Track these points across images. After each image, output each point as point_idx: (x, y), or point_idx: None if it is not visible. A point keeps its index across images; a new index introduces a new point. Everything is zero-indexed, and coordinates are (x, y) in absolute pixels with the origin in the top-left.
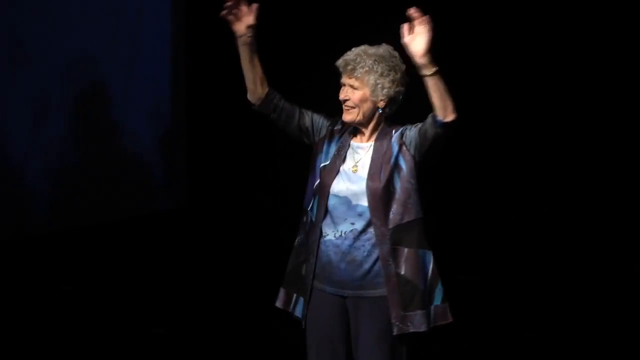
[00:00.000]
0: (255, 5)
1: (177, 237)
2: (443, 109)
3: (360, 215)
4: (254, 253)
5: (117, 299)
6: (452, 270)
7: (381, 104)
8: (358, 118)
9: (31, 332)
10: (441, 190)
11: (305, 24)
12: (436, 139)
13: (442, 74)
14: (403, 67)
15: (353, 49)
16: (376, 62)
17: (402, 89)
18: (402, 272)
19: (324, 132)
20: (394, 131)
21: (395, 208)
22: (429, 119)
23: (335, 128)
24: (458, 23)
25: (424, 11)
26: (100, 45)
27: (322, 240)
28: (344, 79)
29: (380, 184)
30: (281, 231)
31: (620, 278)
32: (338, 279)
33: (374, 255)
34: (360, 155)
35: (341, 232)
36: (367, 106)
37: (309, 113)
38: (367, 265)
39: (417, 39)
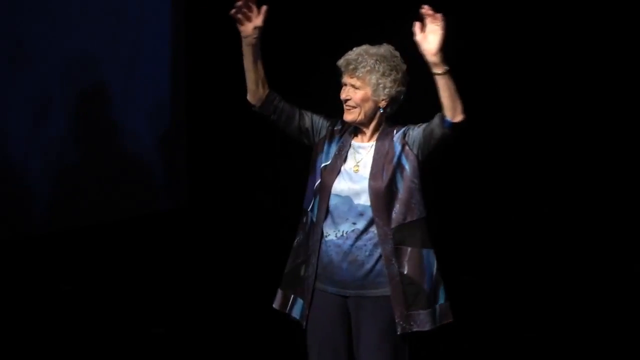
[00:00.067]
0: (264, 8)
1: (177, 237)
2: (452, 109)
3: (361, 214)
4: (254, 253)
5: (117, 299)
6: (454, 270)
7: (382, 104)
8: (359, 118)
9: (31, 332)
10: (442, 190)
11: (305, 24)
12: (443, 139)
13: (453, 73)
14: (404, 66)
15: (354, 49)
16: (378, 62)
17: (403, 88)
18: (405, 272)
19: (323, 132)
20: (395, 131)
21: (397, 208)
22: (437, 119)
23: (335, 128)
24: (459, 23)
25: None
26: (100, 45)
27: (323, 240)
28: (346, 79)
29: (382, 183)
30: (281, 231)
31: (620, 278)
32: (340, 279)
33: (376, 255)
34: (362, 155)
35: (342, 231)
36: (368, 106)
37: (309, 114)
38: (368, 265)
39: (429, 37)
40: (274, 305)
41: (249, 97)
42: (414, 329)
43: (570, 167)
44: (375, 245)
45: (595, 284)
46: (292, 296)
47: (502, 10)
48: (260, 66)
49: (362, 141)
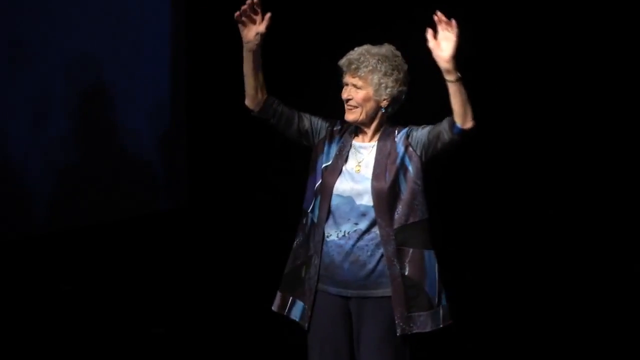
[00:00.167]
0: (268, 15)
1: (177, 237)
2: (463, 116)
3: (364, 215)
4: (254, 253)
5: (117, 299)
6: (457, 270)
7: (384, 104)
8: (361, 117)
9: (31, 332)
10: (445, 191)
11: (304, 25)
12: (450, 144)
13: (465, 81)
14: (405, 66)
15: (356, 49)
16: (380, 62)
17: (404, 88)
18: (407, 273)
19: (323, 133)
20: (396, 131)
21: (400, 209)
22: (445, 124)
23: (335, 129)
24: (462, 24)
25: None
26: (100, 45)
27: (324, 240)
28: (347, 78)
29: (385, 184)
30: (281, 231)
31: (620, 278)
32: (341, 279)
33: (377, 255)
34: (363, 155)
35: (344, 232)
36: (370, 105)
37: (307, 115)
38: (370, 265)
39: (442, 43)
40: (272, 308)
41: (247, 102)
42: (414, 331)
43: (570, 168)
44: (377, 246)
45: (595, 284)
46: (291, 298)
47: (505, 11)
48: (260, 72)
49: (363, 141)
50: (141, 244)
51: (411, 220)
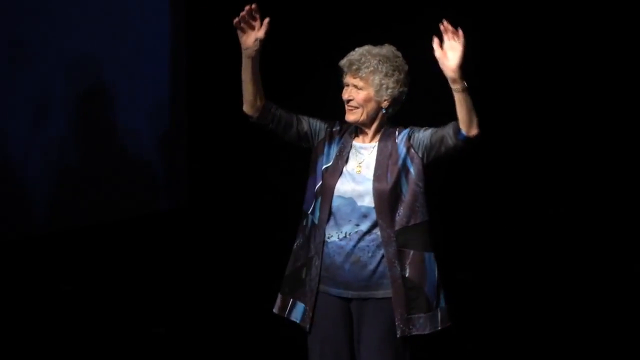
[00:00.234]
0: (267, 20)
1: (177, 237)
2: (468, 124)
3: (365, 216)
4: (254, 253)
5: (117, 299)
6: (457, 270)
7: (385, 104)
8: (362, 118)
9: (31, 332)
10: (444, 193)
11: (304, 26)
12: (454, 149)
13: (471, 89)
14: (406, 67)
15: (357, 49)
16: (381, 62)
17: (405, 89)
18: (407, 275)
19: (322, 134)
20: (397, 132)
21: (402, 210)
22: (450, 129)
23: (334, 129)
24: (464, 24)
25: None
26: (100, 45)
27: (325, 242)
28: (348, 79)
29: (387, 185)
30: (281, 231)
31: (620, 278)
32: (342, 280)
33: (378, 256)
34: (364, 155)
35: (345, 233)
36: (371, 106)
37: (306, 118)
38: (372, 266)
39: (449, 53)
40: (274, 310)
41: (246, 109)
42: (413, 333)
43: (569, 169)
44: (378, 247)
45: (595, 284)
46: (292, 300)
47: (508, 8)
48: (259, 78)
49: (364, 142)
50: (141, 244)
51: (412, 222)
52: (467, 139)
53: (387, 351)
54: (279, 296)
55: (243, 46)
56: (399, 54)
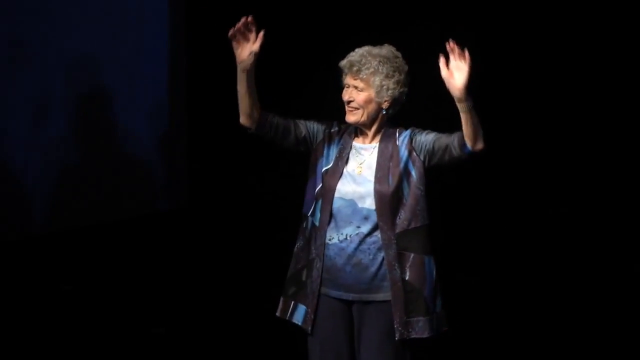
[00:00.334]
0: (262, 33)
1: (177, 237)
2: (473, 139)
3: (366, 218)
4: (254, 253)
5: (117, 299)
6: (458, 272)
7: (385, 105)
8: (362, 119)
9: (31, 332)
10: (445, 193)
11: (304, 27)
12: (458, 160)
13: (477, 106)
14: (406, 67)
15: (357, 50)
16: (381, 63)
17: (405, 89)
18: (407, 278)
19: (320, 136)
20: (397, 133)
21: (403, 213)
22: (455, 141)
23: (333, 130)
24: (467, 23)
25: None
26: (100, 45)
27: (326, 244)
28: (348, 80)
29: (389, 188)
30: (281, 232)
31: (620, 278)
32: (344, 282)
33: (379, 259)
34: (364, 156)
35: (346, 235)
36: (371, 107)
37: (302, 121)
38: (373, 269)
39: (455, 73)
40: (276, 313)
41: (242, 121)
42: (412, 336)
43: (570, 169)
44: (379, 249)
45: (595, 284)
46: (293, 302)
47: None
48: (254, 91)
49: (364, 143)
50: (141, 244)
51: (413, 225)
52: (472, 153)
53: (388, 353)
54: (281, 299)
55: (238, 59)
56: (399, 54)
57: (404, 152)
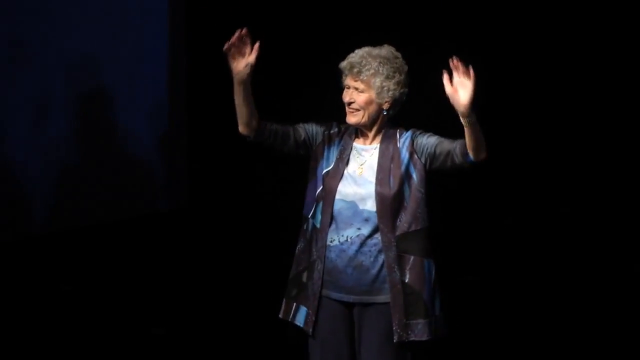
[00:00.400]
0: (257, 45)
1: (177, 237)
2: (476, 151)
3: (366, 220)
4: (254, 253)
5: (117, 299)
6: (459, 273)
7: (386, 106)
8: (363, 120)
9: (31, 332)
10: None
11: (303, 27)
12: (460, 167)
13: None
14: (406, 67)
15: (357, 51)
16: (381, 64)
17: (406, 90)
18: (407, 280)
19: (320, 138)
20: (398, 134)
21: (403, 216)
22: (457, 149)
23: (332, 132)
24: (469, 22)
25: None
26: (100, 45)
27: (327, 246)
28: (349, 81)
29: (390, 190)
30: (282, 232)
31: (620, 278)
32: (345, 284)
33: (380, 261)
34: (365, 157)
35: (347, 237)
36: (372, 108)
37: (301, 125)
38: (374, 271)
39: (460, 90)
40: (279, 315)
41: (241, 130)
42: (411, 338)
43: (570, 170)
44: (380, 251)
45: (595, 284)
46: (295, 304)
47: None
48: (251, 100)
49: (365, 143)
50: (141, 244)
51: (413, 227)
52: (474, 163)
53: (388, 355)
54: (284, 301)
55: (234, 72)
56: (399, 54)
57: (405, 154)
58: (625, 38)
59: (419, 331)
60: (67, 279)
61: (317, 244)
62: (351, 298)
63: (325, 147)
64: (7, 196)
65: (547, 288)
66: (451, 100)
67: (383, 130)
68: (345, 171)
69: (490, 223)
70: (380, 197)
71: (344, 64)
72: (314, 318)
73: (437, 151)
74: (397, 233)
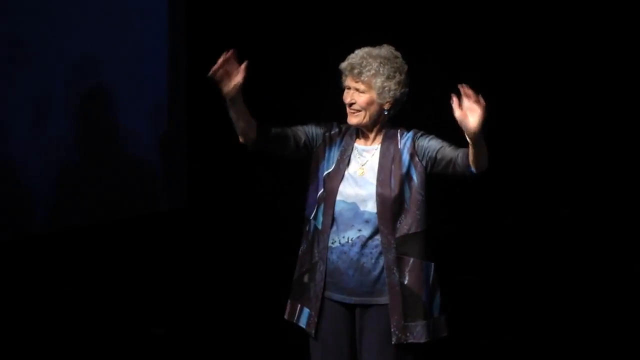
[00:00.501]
0: (244, 64)
1: (177, 237)
2: (479, 164)
3: (367, 222)
4: (254, 253)
5: (117, 299)
6: (458, 274)
7: (387, 106)
8: (364, 121)
9: (32, 332)
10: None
11: (302, 27)
12: (462, 175)
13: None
14: (406, 67)
15: (357, 51)
16: (382, 65)
17: (406, 89)
18: (406, 282)
19: (320, 139)
20: (399, 135)
21: (403, 218)
22: (460, 160)
23: (333, 132)
24: (472, 22)
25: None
26: (101, 46)
27: (328, 247)
28: (349, 82)
29: (391, 192)
30: (281, 232)
31: (620, 278)
32: (346, 285)
33: (381, 263)
34: (366, 158)
35: (348, 238)
36: (373, 109)
37: (300, 128)
38: (375, 272)
39: (470, 116)
40: (285, 316)
41: (241, 140)
42: (410, 340)
43: (570, 170)
44: (381, 253)
45: (595, 284)
46: (299, 305)
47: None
48: (246, 112)
49: (366, 144)
50: (141, 244)
51: (413, 230)
52: (477, 174)
53: (389, 356)
54: (289, 302)
55: (223, 92)
56: (398, 54)
57: (406, 156)
58: (624, 38)
59: (418, 333)
60: (67, 279)
61: (319, 245)
62: (352, 300)
63: (326, 149)
64: (7, 196)
65: (547, 288)
66: (460, 124)
67: (384, 131)
68: (346, 172)
69: (490, 223)
70: (380, 199)
71: (344, 65)
72: (316, 319)
73: (439, 157)
74: (397, 235)
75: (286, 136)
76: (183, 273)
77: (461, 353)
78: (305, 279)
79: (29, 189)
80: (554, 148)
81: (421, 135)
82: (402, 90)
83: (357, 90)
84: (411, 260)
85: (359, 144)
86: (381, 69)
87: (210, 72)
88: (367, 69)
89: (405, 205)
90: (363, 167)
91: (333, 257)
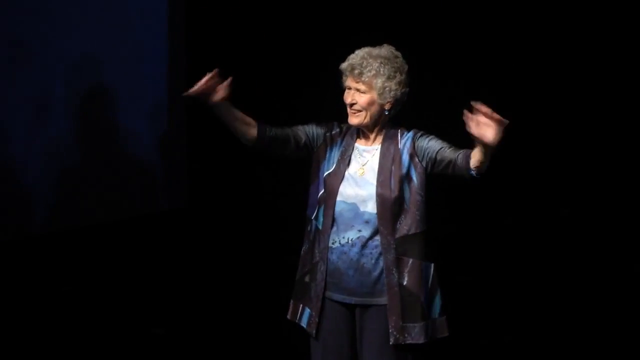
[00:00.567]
0: (227, 82)
1: (177, 237)
2: (480, 167)
3: (367, 222)
4: (254, 253)
5: (117, 299)
6: (458, 274)
7: (388, 106)
8: (365, 121)
9: (32, 332)
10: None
11: (302, 27)
12: (462, 177)
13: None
14: (406, 67)
15: (357, 52)
16: (382, 65)
17: (407, 89)
18: (405, 283)
19: (321, 140)
20: (399, 135)
21: (403, 219)
22: (461, 161)
23: (334, 132)
24: (471, 21)
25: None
26: (101, 45)
27: (329, 247)
28: (350, 83)
29: (391, 193)
30: (281, 231)
31: (620, 278)
32: (347, 286)
33: (381, 263)
34: (366, 158)
35: (348, 239)
36: (374, 109)
37: (301, 128)
38: (375, 273)
39: (487, 131)
40: (287, 316)
41: (242, 141)
42: (408, 341)
43: (570, 171)
44: (381, 254)
45: (595, 284)
46: (301, 306)
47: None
48: (240, 116)
49: (367, 144)
50: (141, 244)
51: (412, 230)
52: (477, 177)
53: (389, 356)
54: (291, 302)
55: (210, 105)
56: (399, 53)
57: (405, 157)
58: (624, 39)
59: (416, 334)
60: (67, 279)
61: (320, 245)
62: (353, 300)
63: (327, 149)
64: (7, 196)
65: (547, 288)
66: (474, 137)
67: (384, 131)
68: (347, 172)
69: (490, 223)
70: (381, 199)
71: (344, 66)
72: (316, 319)
73: (439, 158)
74: (397, 236)
75: (287, 136)
76: (183, 273)
77: (461, 353)
78: (307, 279)
79: (29, 189)
80: (554, 148)
81: (421, 136)
82: (403, 90)
83: (358, 90)
84: (410, 261)
85: (359, 144)
86: (382, 69)
87: (190, 92)
88: (367, 69)
89: (405, 206)
90: (363, 167)
91: (333, 257)
